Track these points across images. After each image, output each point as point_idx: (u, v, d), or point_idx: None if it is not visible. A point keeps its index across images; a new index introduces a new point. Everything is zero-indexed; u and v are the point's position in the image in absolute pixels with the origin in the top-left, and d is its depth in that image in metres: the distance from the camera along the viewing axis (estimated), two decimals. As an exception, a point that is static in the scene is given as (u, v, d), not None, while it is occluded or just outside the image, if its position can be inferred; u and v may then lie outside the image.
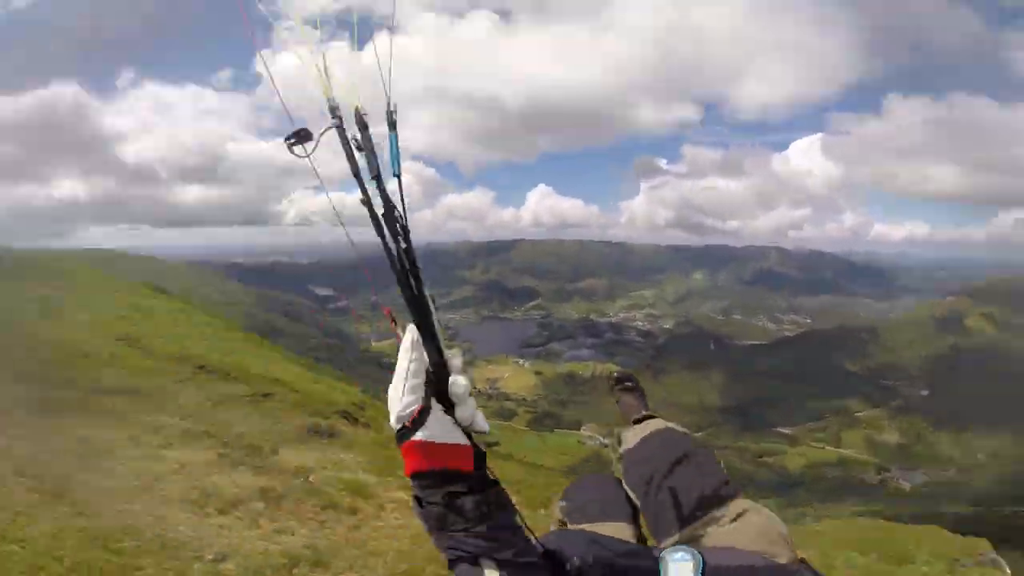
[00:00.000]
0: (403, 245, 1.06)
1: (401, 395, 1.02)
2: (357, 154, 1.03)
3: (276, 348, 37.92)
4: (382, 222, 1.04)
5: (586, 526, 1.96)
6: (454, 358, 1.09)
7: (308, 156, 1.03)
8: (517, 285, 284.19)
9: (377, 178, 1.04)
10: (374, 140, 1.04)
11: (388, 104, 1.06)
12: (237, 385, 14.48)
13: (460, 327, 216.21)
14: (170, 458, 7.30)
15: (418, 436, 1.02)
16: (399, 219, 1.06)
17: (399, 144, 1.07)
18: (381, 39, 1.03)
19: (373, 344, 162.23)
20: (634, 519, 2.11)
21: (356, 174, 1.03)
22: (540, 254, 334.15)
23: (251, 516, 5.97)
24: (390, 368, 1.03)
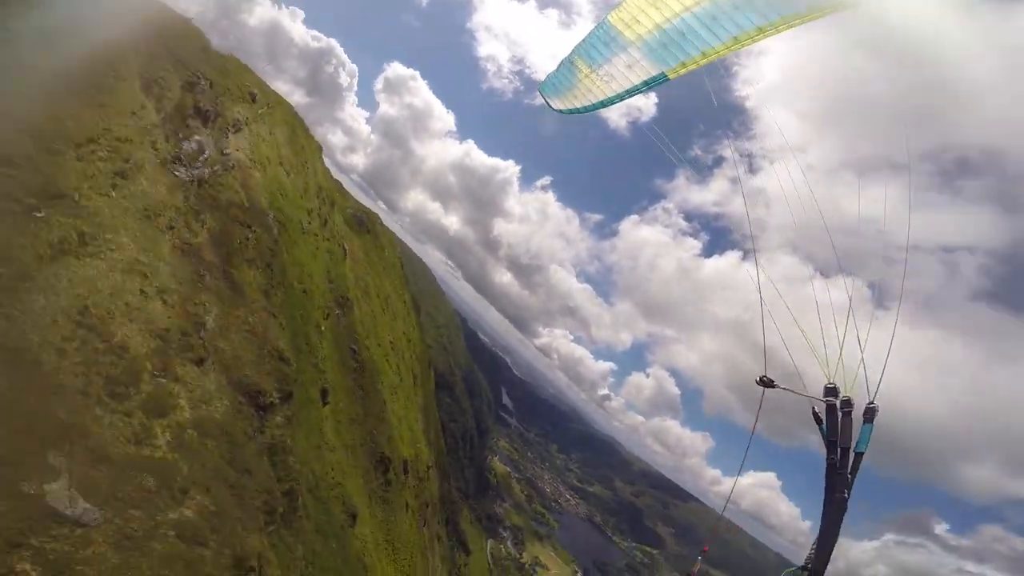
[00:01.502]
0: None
1: None
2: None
3: (430, 390, 37.97)
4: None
5: None
6: None
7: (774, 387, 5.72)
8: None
9: (831, 444, 5.06)
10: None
11: (870, 401, 5.11)
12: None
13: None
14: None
15: None
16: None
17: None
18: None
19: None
20: None
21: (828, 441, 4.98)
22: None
23: None
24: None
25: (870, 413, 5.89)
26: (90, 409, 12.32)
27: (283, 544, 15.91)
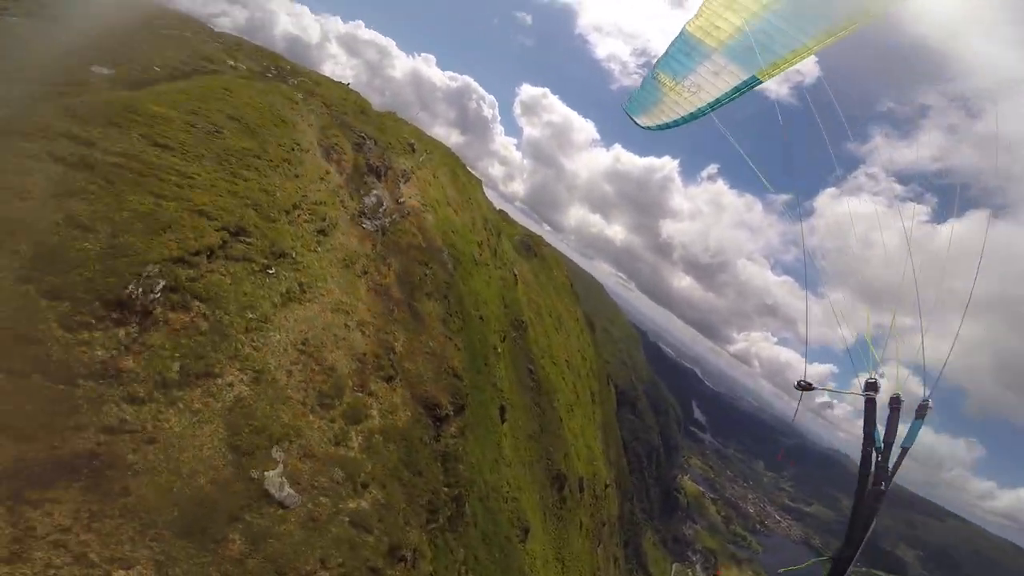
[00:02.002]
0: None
1: None
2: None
3: (611, 408, 41.49)
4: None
5: None
6: None
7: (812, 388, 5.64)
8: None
9: (867, 436, 4.37)
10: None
11: (925, 399, 4.35)
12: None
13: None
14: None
15: None
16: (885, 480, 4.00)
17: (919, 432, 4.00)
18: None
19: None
20: None
21: (866, 432, 4.22)
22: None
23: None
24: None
25: (922, 410, 5.98)
26: (305, 416, 15.70)
27: (444, 544, 18.03)
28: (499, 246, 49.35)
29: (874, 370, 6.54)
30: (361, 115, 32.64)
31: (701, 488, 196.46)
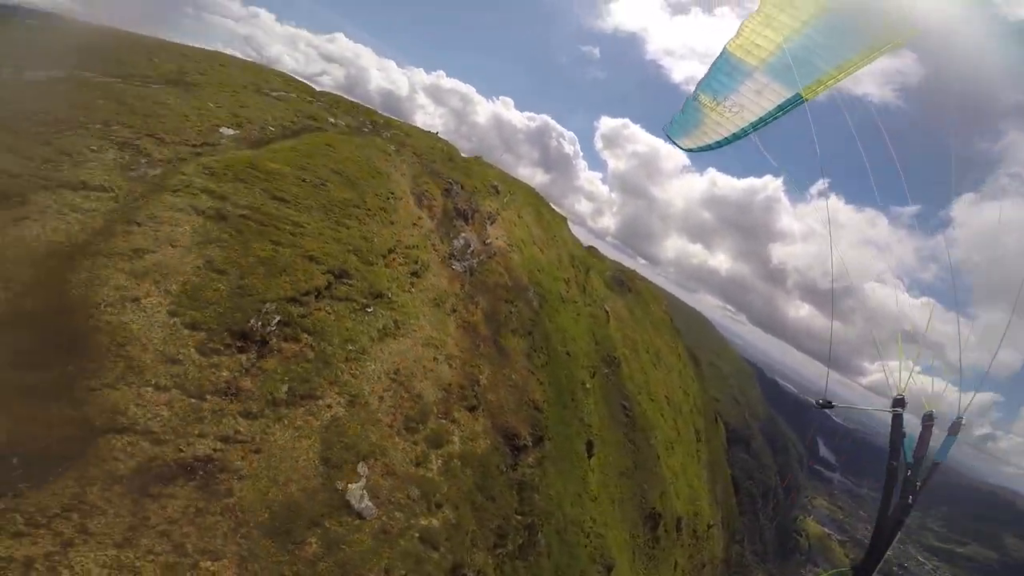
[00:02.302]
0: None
1: None
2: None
3: (721, 446, 41.31)
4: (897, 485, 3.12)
5: None
6: None
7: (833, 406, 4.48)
8: None
9: (894, 451, 3.69)
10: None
11: (959, 416, 3.59)
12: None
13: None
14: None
15: None
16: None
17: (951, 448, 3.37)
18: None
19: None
20: None
21: (893, 446, 3.64)
22: None
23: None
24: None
25: (955, 427, 6.10)
26: (392, 437, 17.23)
27: (512, 571, 18.40)
28: (588, 283, 49.56)
29: (903, 385, 6.61)
30: (449, 162, 35.43)
31: (826, 529, 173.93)
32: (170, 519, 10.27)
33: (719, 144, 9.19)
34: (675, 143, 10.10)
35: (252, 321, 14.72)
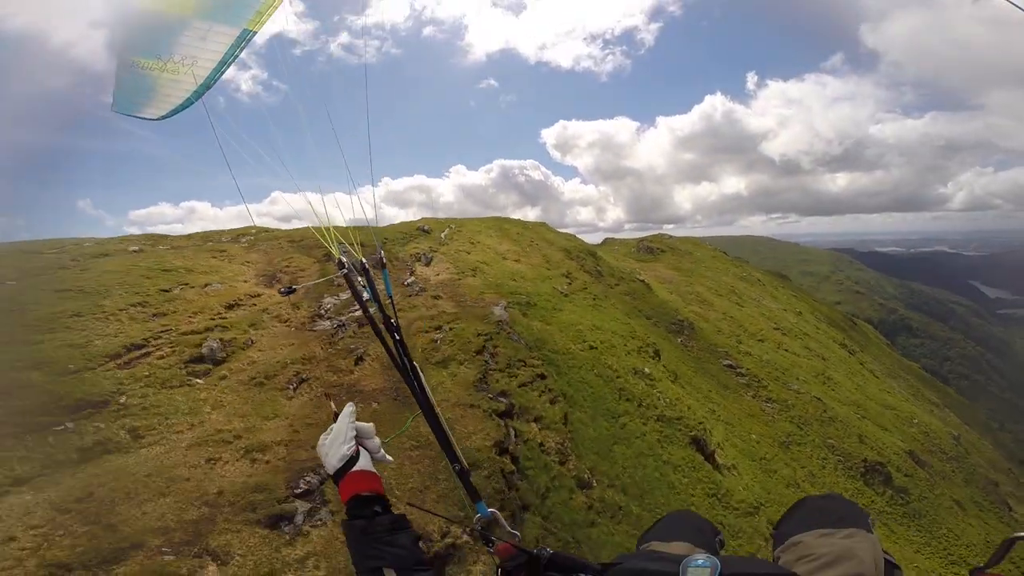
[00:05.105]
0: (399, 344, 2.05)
1: (343, 442, 1.67)
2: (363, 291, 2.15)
3: (882, 349, 29.31)
4: (382, 334, 2.03)
5: (655, 545, 2.13)
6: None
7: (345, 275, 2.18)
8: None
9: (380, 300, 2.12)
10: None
11: (378, 252, 2.46)
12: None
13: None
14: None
15: (355, 468, 1.65)
16: (395, 327, 2.05)
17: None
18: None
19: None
20: (703, 542, 2.14)
21: (359, 301, 2.09)
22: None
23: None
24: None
25: None
26: None
27: None
28: (601, 265, 39.52)
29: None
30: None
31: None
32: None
33: (190, 100, 5.57)
34: (137, 116, 5.23)
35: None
